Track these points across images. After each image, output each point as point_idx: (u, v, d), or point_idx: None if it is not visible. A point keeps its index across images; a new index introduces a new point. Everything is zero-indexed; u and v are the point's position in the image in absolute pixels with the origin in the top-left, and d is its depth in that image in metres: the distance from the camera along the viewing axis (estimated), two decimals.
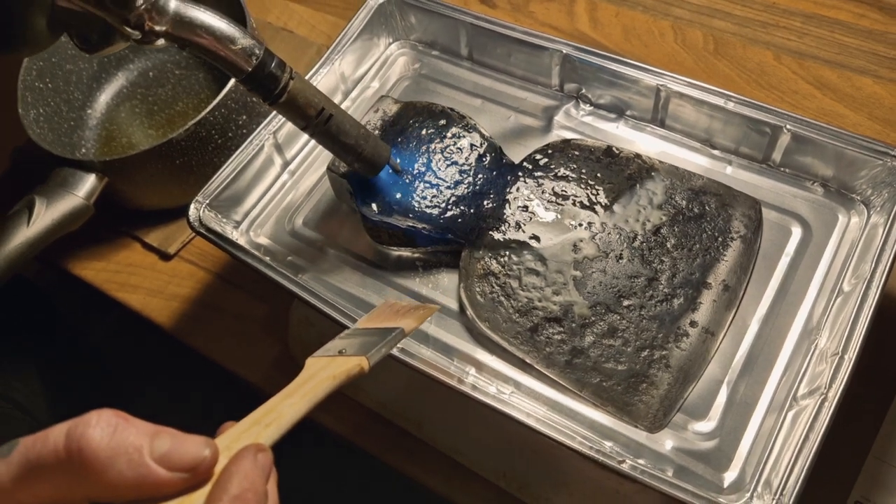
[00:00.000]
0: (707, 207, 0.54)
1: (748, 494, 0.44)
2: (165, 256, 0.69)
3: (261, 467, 0.27)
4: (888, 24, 0.69)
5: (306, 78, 0.61)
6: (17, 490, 0.25)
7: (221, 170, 0.57)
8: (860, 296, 0.46)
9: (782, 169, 0.55)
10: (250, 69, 0.45)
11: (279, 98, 0.47)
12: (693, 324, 0.50)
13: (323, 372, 0.35)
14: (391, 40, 0.68)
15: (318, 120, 0.49)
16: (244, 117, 0.65)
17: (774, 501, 0.41)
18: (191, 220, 0.55)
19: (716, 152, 0.57)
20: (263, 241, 0.59)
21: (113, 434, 0.25)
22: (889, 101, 0.66)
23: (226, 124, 0.63)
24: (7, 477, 0.25)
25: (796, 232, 0.53)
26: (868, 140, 0.51)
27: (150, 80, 0.79)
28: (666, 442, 0.47)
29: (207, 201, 0.56)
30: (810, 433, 0.42)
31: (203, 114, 0.61)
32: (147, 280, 0.68)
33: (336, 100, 0.64)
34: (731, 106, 0.54)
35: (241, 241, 0.57)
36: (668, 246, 0.52)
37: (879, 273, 0.46)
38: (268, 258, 0.54)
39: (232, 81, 0.62)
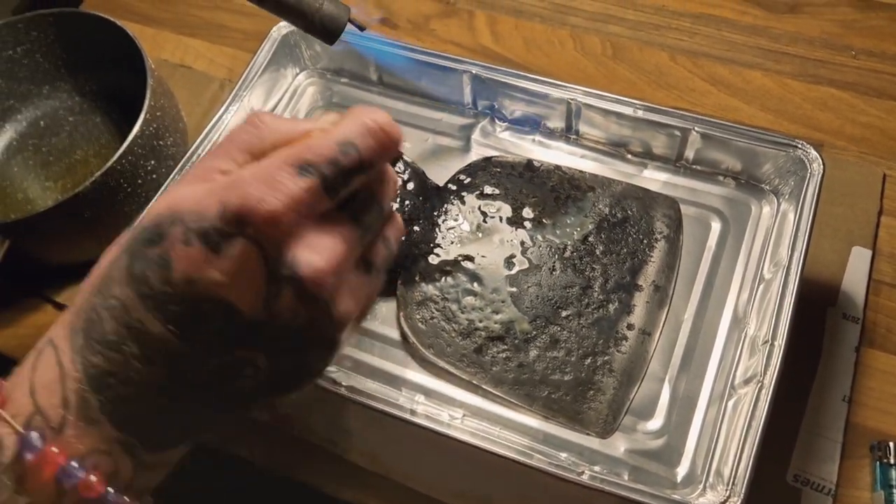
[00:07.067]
0: (629, 212, 0.55)
1: (701, 486, 0.46)
2: None
3: None
4: (769, 19, 0.74)
5: (215, 118, 0.59)
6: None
7: (137, 221, 0.54)
8: (781, 283, 0.48)
9: (695, 167, 0.58)
10: None
11: None
12: (630, 326, 0.51)
13: None
14: (298, 70, 0.67)
15: None
16: (152, 162, 0.62)
17: (727, 491, 0.43)
18: None
19: (631, 157, 0.59)
20: None
21: (273, 115, 0.35)
22: (777, 91, 0.70)
23: (134, 171, 0.61)
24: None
25: (715, 226, 0.55)
26: (770, 134, 0.54)
27: (42, 130, 0.74)
28: (618, 445, 0.48)
29: None
30: (752, 421, 0.45)
31: (109, 163, 0.58)
32: None
33: None
34: (640, 114, 0.56)
35: None
36: (598, 253, 0.54)
37: (796, 259, 0.49)
38: None
39: (137, 126, 0.59)
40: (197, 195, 0.31)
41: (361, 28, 0.51)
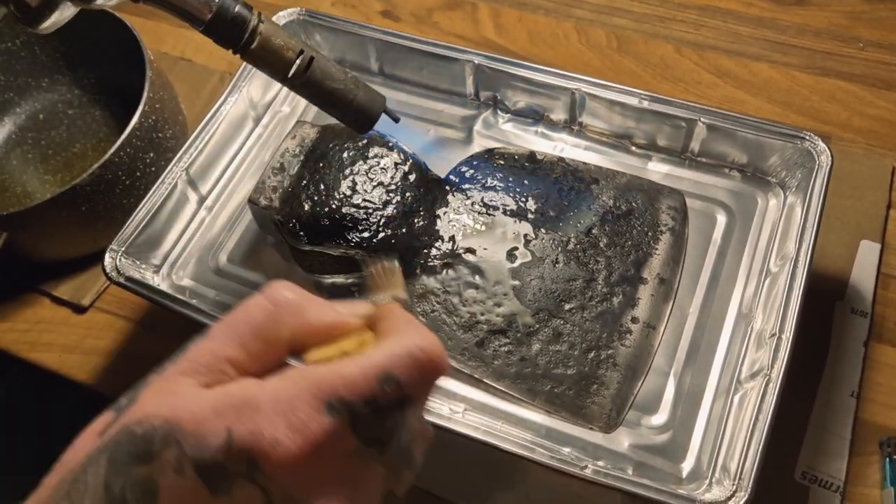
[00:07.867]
0: (634, 204, 0.54)
1: (707, 482, 0.45)
2: (79, 309, 0.65)
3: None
4: (775, 11, 0.73)
5: (214, 109, 0.59)
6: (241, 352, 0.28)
7: (134, 214, 0.54)
8: (789, 276, 0.48)
9: (701, 159, 0.57)
10: (210, 15, 0.40)
11: (250, 44, 0.42)
12: (634, 320, 0.51)
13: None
14: None
15: (300, 65, 0.43)
16: (151, 154, 0.62)
17: (734, 486, 0.42)
18: (107, 270, 0.52)
19: (635, 149, 0.58)
20: (187, 282, 0.56)
21: (295, 290, 0.30)
22: (784, 83, 0.69)
23: (132, 164, 0.60)
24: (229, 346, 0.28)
25: (721, 219, 0.55)
26: (777, 125, 0.53)
27: (40, 123, 0.74)
28: (622, 440, 0.48)
29: (123, 248, 0.53)
30: (759, 415, 0.44)
31: (107, 155, 0.57)
32: (61, 336, 0.64)
33: (248, 127, 0.62)
34: (645, 104, 0.55)
35: (164, 286, 0.54)
36: (601, 245, 0.53)
37: (804, 253, 0.48)
38: (194, 301, 0.52)
39: (136, 118, 0.59)
40: (200, 410, 0.26)
41: (396, 119, 0.49)
